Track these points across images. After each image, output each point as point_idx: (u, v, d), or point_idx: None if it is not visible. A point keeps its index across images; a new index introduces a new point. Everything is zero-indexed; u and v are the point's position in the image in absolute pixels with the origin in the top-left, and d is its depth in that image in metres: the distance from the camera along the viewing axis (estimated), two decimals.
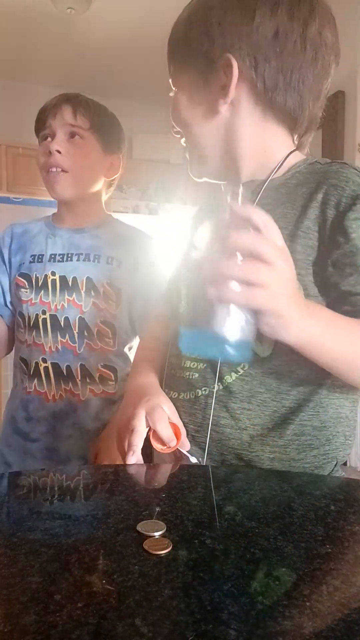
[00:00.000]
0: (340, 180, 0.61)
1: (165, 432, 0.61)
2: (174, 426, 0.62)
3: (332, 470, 0.67)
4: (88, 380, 1.05)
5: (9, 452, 1.09)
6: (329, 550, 0.39)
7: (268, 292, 0.47)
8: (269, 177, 0.68)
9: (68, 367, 1.05)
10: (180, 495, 0.49)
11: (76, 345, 1.05)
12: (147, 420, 0.62)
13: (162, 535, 0.40)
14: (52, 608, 0.31)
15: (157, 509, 0.45)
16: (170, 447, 0.61)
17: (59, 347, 1.05)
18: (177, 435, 0.62)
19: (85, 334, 1.05)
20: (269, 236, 0.48)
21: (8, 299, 1.14)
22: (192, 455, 0.64)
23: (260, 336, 0.56)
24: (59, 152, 1.03)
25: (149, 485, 0.53)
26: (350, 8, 2.91)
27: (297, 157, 0.70)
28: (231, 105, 0.66)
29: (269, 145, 0.69)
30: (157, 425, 0.60)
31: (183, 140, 0.74)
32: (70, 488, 0.52)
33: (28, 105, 4.26)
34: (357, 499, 0.52)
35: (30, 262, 1.10)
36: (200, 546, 0.39)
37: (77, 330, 1.05)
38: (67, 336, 1.05)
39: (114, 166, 1.13)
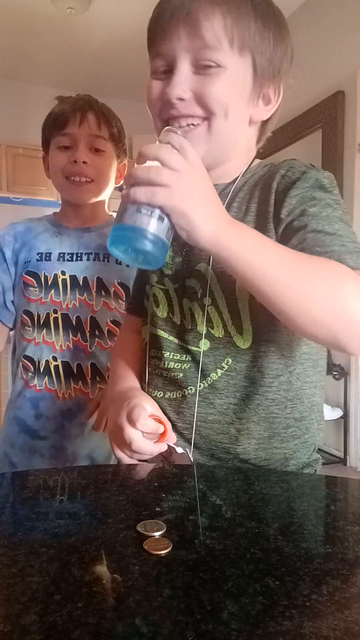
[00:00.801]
0: (288, 170, 0.66)
1: (147, 426, 0.62)
2: (157, 419, 0.63)
3: (311, 454, 0.71)
4: (98, 379, 1.06)
5: (14, 451, 1.08)
6: (329, 550, 0.39)
7: (168, 191, 0.50)
8: (237, 179, 0.72)
9: (79, 365, 1.06)
10: (180, 495, 0.49)
11: (87, 344, 1.06)
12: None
13: (162, 535, 0.40)
14: (52, 608, 0.31)
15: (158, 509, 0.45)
16: (158, 435, 0.63)
17: (70, 345, 1.06)
18: (163, 433, 0.63)
19: (96, 333, 1.06)
20: (183, 153, 0.53)
21: (9, 297, 1.14)
22: (178, 446, 0.65)
23: (239, 327, 0.64)
24: (85, 162, 1.05)
25: (149, 485, 0.53)
26: (350, 8, 2.91)
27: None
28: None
29: (251, 147, 0.75)
30: (138, 424, 0.61)
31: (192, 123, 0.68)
32: (70, 488, 0.52)
33: (28, 105, 4.28)
34: (357, 499, 0.52)
35: (38, 260, 1.10)
36: (200, 546, 0.39)
37: (88, 330, 1.06)
38: (78, 335, 1.06)
39: (121, 173, 1.15)
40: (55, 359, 1.07)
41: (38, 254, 1.10)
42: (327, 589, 0.33)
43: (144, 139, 3.92)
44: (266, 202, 0.67)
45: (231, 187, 0.72)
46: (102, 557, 0.37)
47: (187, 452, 0.66)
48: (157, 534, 0.40)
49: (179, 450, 0.65)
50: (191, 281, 0.70)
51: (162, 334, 0.72)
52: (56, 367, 1.07)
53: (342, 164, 2.89)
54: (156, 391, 0.71)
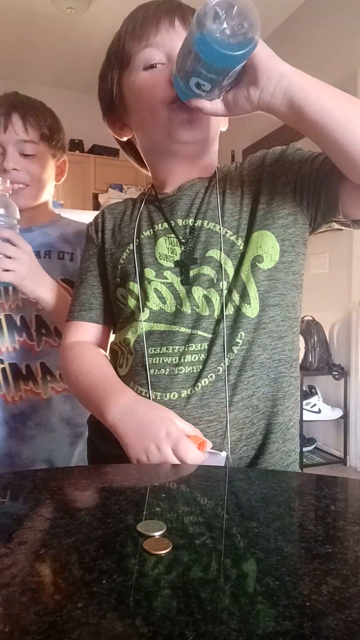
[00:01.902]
0: (275, 149, 0.76)
1: (198, 460, 0.61)
2: (193, 438, 0.62)
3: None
4: (49, 379, 1.05)
5: None
6: (329, 550, 0.39)
7: None
8: (216, 172, 0.78)
9: (27, 366, 1.05)
10: (180, 495, 0.49)
11: (34, 343, 1.05)
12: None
13: (162, 535, 0.40)
14: (52, 608, 0.31)
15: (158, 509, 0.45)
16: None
17: (17, 346, 1.05)
18: (201, 446, 0.62)
19: (43, 331, 1.04)
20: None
21: None
22: (217, 451, 0.64)
23: (247, 298, 0.69)
24: (15, 169, 1.02)
25: (149, 485, 0.53)
26: (351, 9, 2.91)
27: None
28: None
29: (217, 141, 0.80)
30: (189, 460, 0.60)
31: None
32: (70, 488, 0.52)
33: None
34: (357, 499, 0.52)
35: None
36: (200, 546, 0.39)
37: (34, 328, 1.04)
38: (24, 335, 1.05)
39: (62, 169, 1.14)
40: (1, 361, 1.05)
41: None
42: (327, 589, 0.33)
43: None
44: (259, 179, 0.74)
45: (215, 180, 0.77)
46: (102, 557, 0.37)
47: (228, 454, 0.65)
48: (157, 534, 0.40)
49: (223, 454, 0.64)
50: (203, 269, 0.72)
51: (173, 327, 0.71)
52: (3, 369, 1.05)
53: None
54: (167, 393, 0.68)
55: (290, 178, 0.72)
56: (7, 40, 3.86)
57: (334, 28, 3.09)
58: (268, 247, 0.71)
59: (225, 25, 0.53)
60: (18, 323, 1.05)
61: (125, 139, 0.85)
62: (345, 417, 3.11)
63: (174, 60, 0.66)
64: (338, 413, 3.14)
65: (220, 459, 0.64)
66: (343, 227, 0.74)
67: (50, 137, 1.07)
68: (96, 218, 0.88)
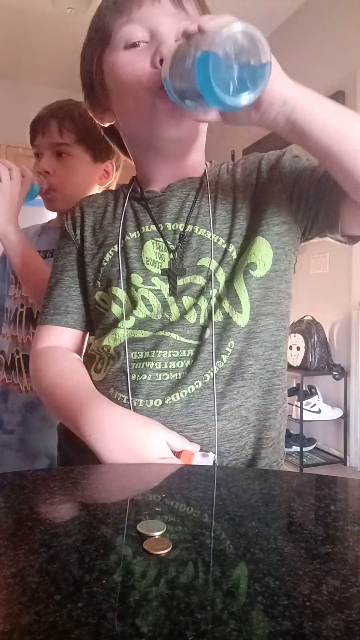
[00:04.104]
0: (270, 154, 0.74)
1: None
2: (184, 455, 0.61)
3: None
4: None
5: None
6: (329, 550, 0.39)
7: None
8: (205, 172, 0.76)
9: None
10: (180, 495, 0.49)
11: None
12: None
13: (162, 535, 0.40)
14: (52, 608, 0.31)
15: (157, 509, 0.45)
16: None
17: (31, 338, 1.09)
18: (187, 456, 0.61)
19: None
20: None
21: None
22: (204, 452, 0.64)
23: (238, 306, 0.67)
24: (47, 172, 1.06)
25: (149, 485, 0.53)
26: (350, 9, 2.91)
27: None
28: None
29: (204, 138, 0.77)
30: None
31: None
32: (70, 488, 0.52)
33: (28, 105, 4.27)
34: (357, 499, 0.52)
35: None
36: (200, 546, 0.39)
37: None
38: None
39: (108, 172, 1.16)
40: (18, 352, 1.11)
41: None
42: (327, 589, 0.33)
43: None
44: (253, 185, 0.72)
45: (206, 180, 0.74)
46: (102, 557, 0.37)
47: (214, 453, 0.64)
48: (157, 534, 0.40)
49: (211, 455, 0.63)
50: (194, 278, 0.69)
51: (158, 333, 0.68)
52: (19, 360, 1.11)
53: None
54: (151, 400, 0.65)
55: (286, 186, 0.70)
56: (6, 40, 3.86)
57: (334, 28, 3.09)
58: (262, 255, 0.68)
59: (235, 71, 0.49)
60: (34, 316, 1.09)
61: (107, 124, 0.78)
62: (345, 417, 3.11)
63: (158, 37, 0.62)
64: (338, 413, 3.14)
65: (208, 461, 0.63)
66: (334, 241, 0.72)
67: (89, 140, 1.09)
68: (73, 212, 0.81)
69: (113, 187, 1.20)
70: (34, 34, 3.78)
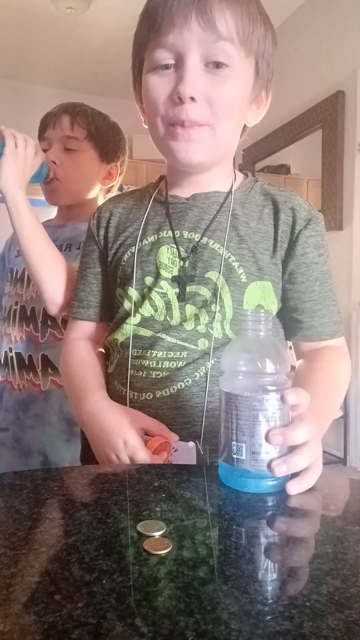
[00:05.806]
0: (295, 205, 0.73)
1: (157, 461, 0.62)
2: (156, 439, 0.63)
3: None
4: (50, 371, 1.06)
5: None
6: (329, 550, 0.39)
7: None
8: (231, 189, 0.75)
9: (30, 357, 1.07)
10: (180, 495, 0.49)
11: (39, 334, 1.07)
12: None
13: (162, 535, 0.40)
14: (52, 608, 0.31)
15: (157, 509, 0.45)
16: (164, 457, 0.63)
17: (23, 336, 1.08)
18: (163, 445, 0.63)
19: (49, 323, 1.06)
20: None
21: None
22: (184, 442, 0.65)
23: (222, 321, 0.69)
24: (54, 162, 1.06)
25: (149, 485, 0.53)
26: (350, 8, 2.91)
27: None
28: None
29: (234, 151, 0.77)
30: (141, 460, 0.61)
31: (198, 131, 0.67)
32: (70, 488, 0.52)
33: (28, 105, 4.29)
34: (357, 499, 0.52)
35: (16, 256, 1.14)
36: (200, 546, 0.39)
37: (40, 320, 1.07)
38: (31, 325, 1.08)
39: (111, 174, 1.16)
40: (11, 350, 1.10)
41: (17, 250, 1.13)
42: (327, 589, 0.33)
43: (143, 139, 3.93)
44: (277, 230, 0.73)
45: (231, 198, 0.74)
46: (102, 557, 0.37)
47: (197, 444, 0.66)
48: (157, 534, 0.40)
49: (190, 444, 0.65)
50: (199, 288, 0.71)
51: (157, 334, 0.71)
52: (11, 358, 1.10)
53: (342, 164, 2.89)
54: (143, 394, 0.70)
55: (291, 270, 0.73)
56: (7, 40, 3.86)
57: (334, 28, 3.09)
58: (269, 302, 0.72)
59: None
60: (28, 314, 1.08)
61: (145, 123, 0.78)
62: (345, 417, 3.11)
63: (182, 63, 0.63)
64: (338, 413, 3.14)
65: (189, 449, 0.65)
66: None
67: (98, 139, 1.10)
68: (99, 212, 0.83)
69: (115, 190, 1.21)
70: (34, 34, 3.78)
